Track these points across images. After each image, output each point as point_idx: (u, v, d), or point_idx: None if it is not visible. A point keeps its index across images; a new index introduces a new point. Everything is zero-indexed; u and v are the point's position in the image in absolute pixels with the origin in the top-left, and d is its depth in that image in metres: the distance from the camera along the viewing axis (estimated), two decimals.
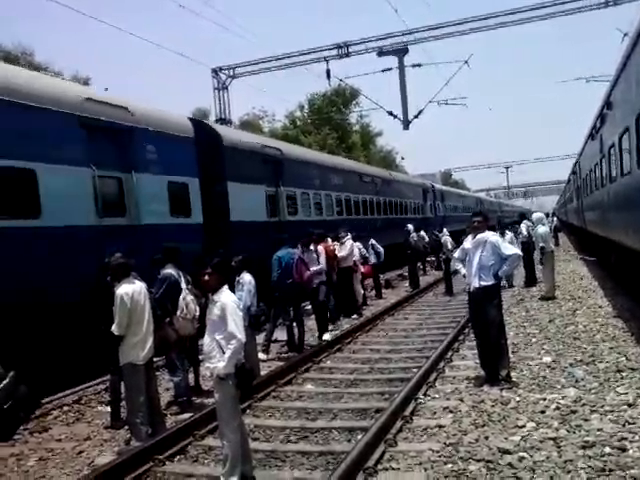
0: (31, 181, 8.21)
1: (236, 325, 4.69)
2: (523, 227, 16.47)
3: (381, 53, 26.10)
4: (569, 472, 4.46)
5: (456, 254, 8.01)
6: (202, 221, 12.02)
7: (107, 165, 9.71)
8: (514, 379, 7.03)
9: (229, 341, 4.66)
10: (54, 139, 8.77)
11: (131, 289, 5.95)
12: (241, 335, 4.66)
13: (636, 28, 8.39)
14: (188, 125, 12.38)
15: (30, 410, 4.47)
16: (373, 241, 16.66)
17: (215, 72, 27.66)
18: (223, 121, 26.25)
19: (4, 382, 4.16)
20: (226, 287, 4.95)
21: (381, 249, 16.53)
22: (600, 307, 11.49)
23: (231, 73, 27.97)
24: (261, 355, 9.37)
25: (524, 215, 19.66)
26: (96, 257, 8.20)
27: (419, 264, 20.51)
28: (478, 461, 4.82)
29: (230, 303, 4.79)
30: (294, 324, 10.36)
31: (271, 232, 14.00)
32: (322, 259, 11.37)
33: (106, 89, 12.09)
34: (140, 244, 9.59)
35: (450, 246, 16.69)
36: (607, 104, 11.98)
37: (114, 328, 5.87)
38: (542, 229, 14.05)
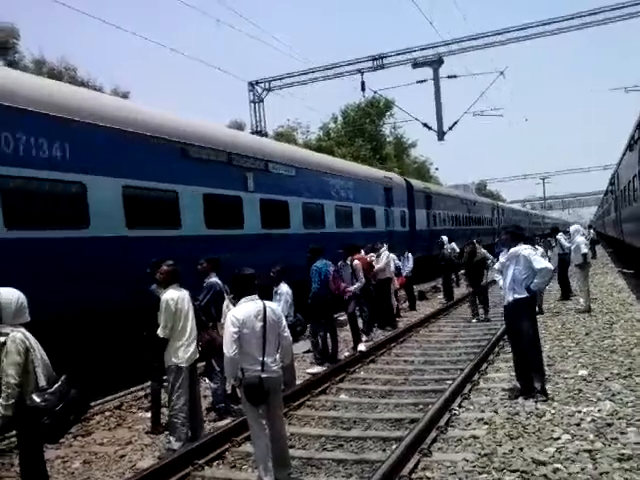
0: (373, 213, 20.00)
1: (224, 340, 4.89)
2: (561, 238, 16.31)
3: (416, 65, 26.24)
4: None
5: (496, 266, 8.08)
6: (408, 230, 23.29)
7: (384, 204, 21.15)
8: (549, 392, 7.00)
9: None
10: (379, 194, 20.88)
11: (176, 295, 6.25)
12: (226, 350, 4.82)
13: None
14: (403, 181, 24.46)
15: (80, 413, 4.65)
16: (409, 254, 16.72)
17: (252, 85, 28.18)
18: (259, 133, 26.64)
19: (56, 385, 4.34)
20: (243, 300, 5.09)
21: (411, 263, 16.61)
22: (638, 320, 11.31)
23: (267, 86, 28.48)
24: (316, 369, 9.52)
25: (557, 228, 19.42)
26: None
27: (452, 276, 20.42)
28: (513, 472, 4.86)
29: (227, 318, 5.02)
30: (328, 335, 10.43)
31: (427, 235, 24.36)
32: (361, 274, 11.46)
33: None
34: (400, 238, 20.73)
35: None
36: None
37: (159, 331, 6.14)
38: (580, 239, 14.01)
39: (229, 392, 7.95)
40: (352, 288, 10.93)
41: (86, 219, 8.49)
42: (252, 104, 28.40)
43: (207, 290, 7.60)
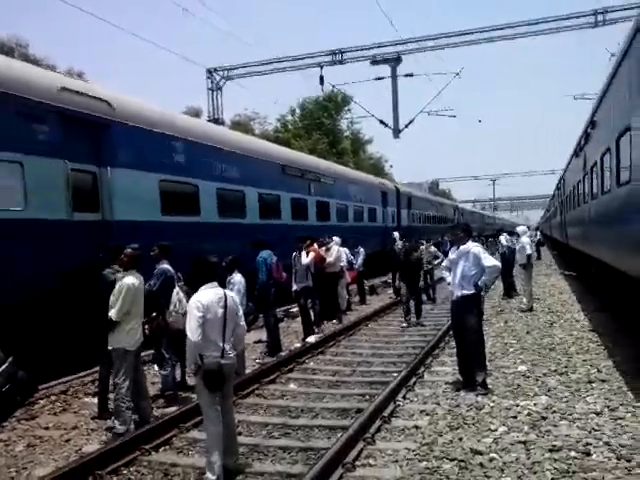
0: (375, 211, 26.49)
1: (188, 325, 4.90)
2: (503, 239, 16.86)
3: (374, 62, 26.46)
4: (535, 473, 4.73)
5: (444, 262, 8.32)
6: (397, 225, 27.66)
7: (381, 205, 27.24)
8: (490, 386, 7.29)
9: None
10: (378, 197, 27.14)
11: (137, 281, 6.30)
12: (190, 335, 4.84)
13: (619, 50, 8.68)
14: (393, 186, 30.56)
15: (27, 395, 4.64)
16: (361, 248, 17.00)
17: (210, 73, 27.86)
18: (216, 121, 26.40)
19: (3, 366, 4.34)
20: (205, 286, 5.11)
21: (362, 258, 17.03)
22: (577, 321, 11.82)
23: (226, 74, 28.22)
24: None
25: (501, 229, 20.44)
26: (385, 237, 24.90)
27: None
28: (451, 460, 5.08)
29: (190, 303, 5.04)
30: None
31: (408, 229, 26.74)
32: (308, 258, 11.68)
33: None
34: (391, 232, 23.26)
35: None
36: (591, 123, 12.31)
37: (113, 313, 6.13)
38: (525, 239, 14.52)
39: (178, 379, 7.99)
40: (306, 261, 11.51)
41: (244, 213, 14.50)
42: (210, 92, 28.13)
43: (158, 276, 7.57)
